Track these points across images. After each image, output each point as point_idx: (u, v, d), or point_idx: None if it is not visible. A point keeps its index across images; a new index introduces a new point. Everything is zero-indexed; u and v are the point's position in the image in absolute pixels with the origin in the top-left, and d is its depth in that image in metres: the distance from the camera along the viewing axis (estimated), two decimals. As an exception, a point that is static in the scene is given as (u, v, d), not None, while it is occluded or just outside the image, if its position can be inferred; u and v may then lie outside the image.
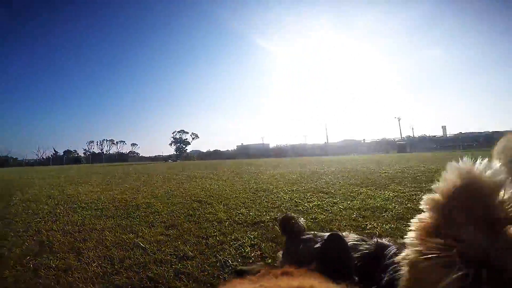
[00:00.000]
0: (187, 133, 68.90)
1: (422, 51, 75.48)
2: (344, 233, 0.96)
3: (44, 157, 52.42)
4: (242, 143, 68.51)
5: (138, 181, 7.12)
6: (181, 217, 2.90)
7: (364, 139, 42.35)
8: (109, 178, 8.36)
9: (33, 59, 76.53)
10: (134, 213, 3.24)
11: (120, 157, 62.53)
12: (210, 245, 1.98)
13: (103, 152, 64.90)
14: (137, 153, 72.25)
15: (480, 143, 27.63)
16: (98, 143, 67.51)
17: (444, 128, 44.03)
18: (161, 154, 66.69)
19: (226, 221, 2.58)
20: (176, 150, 67.22)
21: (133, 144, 71.75)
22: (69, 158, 55.81)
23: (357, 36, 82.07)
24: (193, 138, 69.56)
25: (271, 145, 62.94)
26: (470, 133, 33.91)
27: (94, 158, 58.18)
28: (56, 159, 52.21)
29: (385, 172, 6.30)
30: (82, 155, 61.89)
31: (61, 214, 3.33)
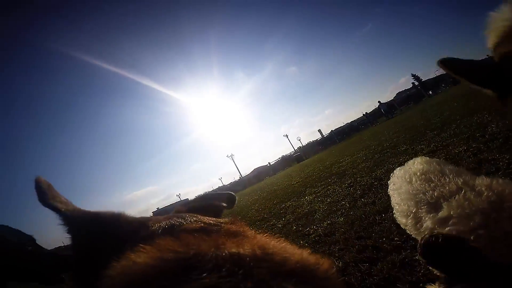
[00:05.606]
0: None
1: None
2: None
3: None
4: (157, 208, 60.51)
5: None
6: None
7: (269, 162, 46.61)
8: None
9: None
10: None
11: None
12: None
13: None
14: None
15: (347, 133, 35.70)
16: None
17: (320, 131, 54.78)
18: None
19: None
20: None
21: None
22: None
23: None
24: None
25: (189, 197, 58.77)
26: (337, 128, 43.90)
27: None
28: None
29: (302, 179, 7.59)
30: None
31: None
